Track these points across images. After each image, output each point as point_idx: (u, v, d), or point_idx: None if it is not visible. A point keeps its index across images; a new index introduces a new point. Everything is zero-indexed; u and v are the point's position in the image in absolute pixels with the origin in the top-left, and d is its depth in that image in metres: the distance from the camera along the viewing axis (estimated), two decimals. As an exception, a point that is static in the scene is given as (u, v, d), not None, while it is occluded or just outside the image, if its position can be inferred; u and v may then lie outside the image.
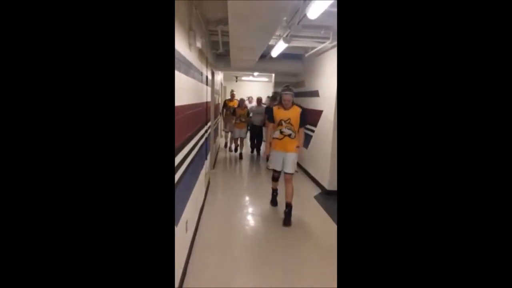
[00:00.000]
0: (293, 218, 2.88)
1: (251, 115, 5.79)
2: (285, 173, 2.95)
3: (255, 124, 5.78)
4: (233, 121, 5.75)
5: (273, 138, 2.95)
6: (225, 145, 6.66)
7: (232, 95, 6.27)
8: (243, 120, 5.68)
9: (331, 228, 2.86)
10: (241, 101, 5.80)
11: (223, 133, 7.08)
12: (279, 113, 2.89)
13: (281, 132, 2.87)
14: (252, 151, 6.25)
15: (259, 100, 5.88)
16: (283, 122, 2.85)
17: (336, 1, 1.91)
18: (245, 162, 5.65)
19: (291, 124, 2.83)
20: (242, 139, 5.86)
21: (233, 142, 6.23)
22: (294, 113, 2.84)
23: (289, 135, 2.85)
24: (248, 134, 6.07)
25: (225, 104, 6.24)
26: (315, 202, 3.53)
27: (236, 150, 6.11)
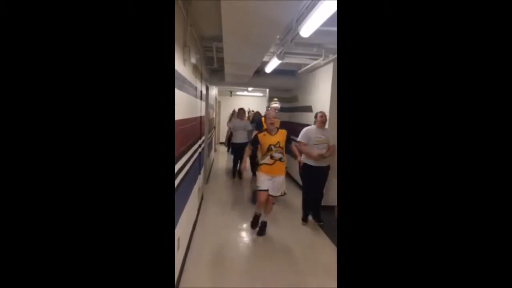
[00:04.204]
0: (287, 235, 2.82)
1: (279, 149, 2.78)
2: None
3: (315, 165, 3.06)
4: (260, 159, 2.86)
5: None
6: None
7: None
8: (279, 156, 2.76)
9: (327, 246, 2.82)
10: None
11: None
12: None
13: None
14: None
15: (322, 118, 3.08)
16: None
17: (327, 21, 1.97)
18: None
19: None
20: (273, 199, 2.88)
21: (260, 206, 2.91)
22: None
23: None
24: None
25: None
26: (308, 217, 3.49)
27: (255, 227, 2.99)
